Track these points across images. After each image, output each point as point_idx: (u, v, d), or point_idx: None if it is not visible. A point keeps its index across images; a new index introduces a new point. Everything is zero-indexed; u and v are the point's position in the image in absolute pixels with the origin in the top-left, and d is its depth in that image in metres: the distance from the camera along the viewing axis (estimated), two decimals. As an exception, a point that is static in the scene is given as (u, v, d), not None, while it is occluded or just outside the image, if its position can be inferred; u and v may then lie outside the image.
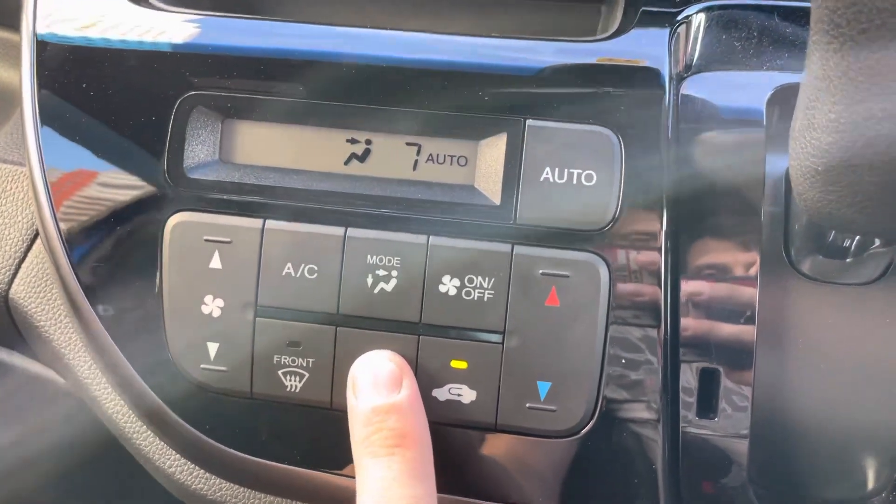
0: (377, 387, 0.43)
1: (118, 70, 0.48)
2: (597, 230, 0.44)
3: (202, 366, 0.46)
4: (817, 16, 0.33)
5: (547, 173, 0.45)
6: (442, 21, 0.56)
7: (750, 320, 0.44)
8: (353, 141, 0.47)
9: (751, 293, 0.44)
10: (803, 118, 0.36)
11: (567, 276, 0.44)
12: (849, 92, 0.33)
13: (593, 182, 0.44)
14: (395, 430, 0.42)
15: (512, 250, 0.44)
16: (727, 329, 0.44)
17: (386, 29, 0.48)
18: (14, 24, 0.66)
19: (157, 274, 0.47)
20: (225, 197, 0.46)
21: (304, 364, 0.46)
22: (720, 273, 0.45)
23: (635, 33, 0.47)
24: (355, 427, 0.44)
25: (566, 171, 0.44)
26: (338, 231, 0.45)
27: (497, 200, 0.45)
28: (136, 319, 0.48)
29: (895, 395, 0.44)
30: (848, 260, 0.45)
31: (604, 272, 0.44)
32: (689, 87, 0.45)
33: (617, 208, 0.44)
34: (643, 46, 0.46)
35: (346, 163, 0.47)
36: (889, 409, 0.44)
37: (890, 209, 0.36)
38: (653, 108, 0.45)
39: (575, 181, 0.44)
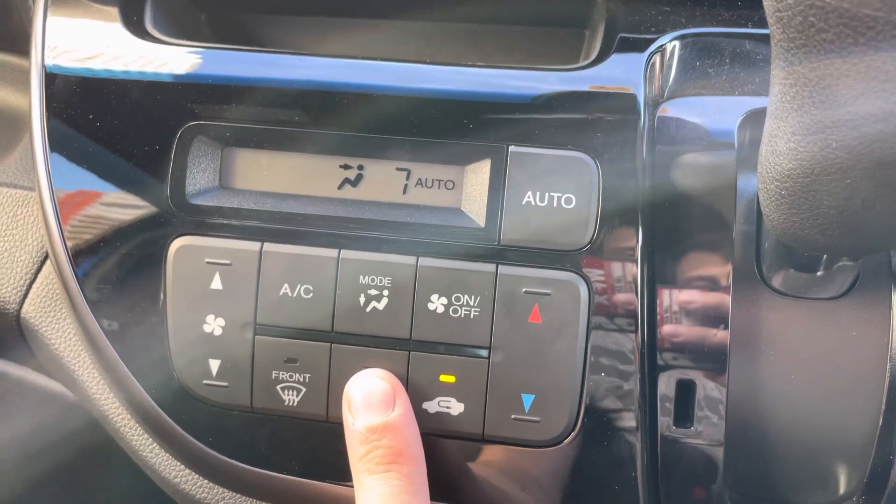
0: (371, 406, 0.46)
1: (123, 100, 0.51)
2: (576, 250, 0.47)
3: (205, 381, 0.49)
4: (775, 52, 0.35)
5: (529, 196, 0.47)
6: (433, 48, 0.59)
7: (723, 334, 0.46)
8: (346, 167, 0.49)
9: (724, 308, 0.47)
10: (767, 144, 0.39)
11: (549, 294, 0.46)
12: (804, 123, 0.35)
13: (573, 205, 0.47)
14: (390, 447, 0.45)
15: (496, 270, 0.47)
16: (702, 342, 0.47)
17: (377, 59, 0.50)
18: (21, 49, 0.69)
19: (161, 294, 0.49)
20: (225, 221, 0.49)
21: (302, 379, 0.48)
22: (695, 289, 0.47)
23: (612, 60, 0.49)
24: (353, 445, 0.46)
25: (547, 194, 0.47)
26: (332, 253, 0.48)
27: (482, 223, 0.47)
28: (141, 337, 0.50)
29: (863, 403, 0.46)
30: (818, 274, 0.47)
31: (583, 290, 0.47)
32: (664, 112, 0.48)
33: (595, 229, 0.47)
34: (620, 74, 0.49)
35: (339, 187, 0.49)
36: (857, 416, 0.47)
37: (848, 231, 0.38)
38: (629, 133, 0.47)
39: (555, 204, 0.47)
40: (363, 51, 0.51)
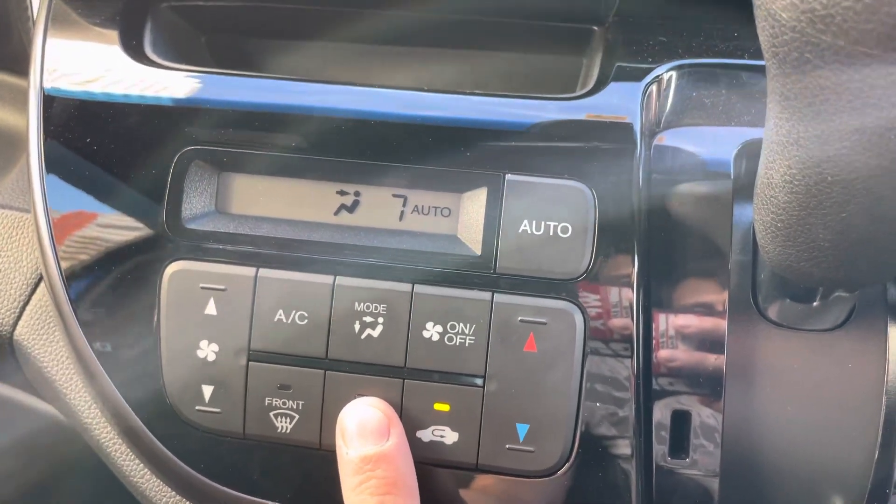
0: (365, 436, 0.45)
1: (120, 124, 0.51)
2: (572, 279, 0.47)
3: (197, 407, 0.48)
4: (771, 86, 0.36)
5: (525, 225, 0.47)
6: (432, 74, 0.59)
7: (719, 365, 0.46)
8: (342, 193, 0.49)
9: (720, 339, 0.46)
10: (763, 176, 0.39)
11: (544, 323, 0.46)
12: (800, 157, 0.35)
13: (569, 234, 0.47)
14: (384, 478, 0.44)
15: (492, 298, 0.47)
16: (697, 373, 0.46)
17: (375, 85, 0.50)
18: (19, 69, 0.69)
19: (155, 318, 0.49)
20: (220, 246, 0.49)
21: (295, 406, 0.48)
22: (690, 320, 0.47)
23: (610, 89, 0.49)
24: (346, 475, 0.45)
25: (543, 223, 0.47)
26: (327, 279, 0.48)
27: (478, 250, 0.47)
28: (133, 361, 0.50)
29: (859, 434, 0.46)
30: (814, 305, 0.47)
31: (579, 319, 0.46)
32: (661, 141, 0.48)
33: (591, 258, 0.47)
34: (617, 103, 0.49)
35: (335, 213, 0.49)
36: (853, 448, 0.46)
37: (844, 263, 0.38)
38: (625, 163, 0.47)
39: (551, 233, 0.47)
40: (363, 77, 0.52)
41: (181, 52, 0.57)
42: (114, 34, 0.54)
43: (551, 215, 0.47)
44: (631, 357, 0.46)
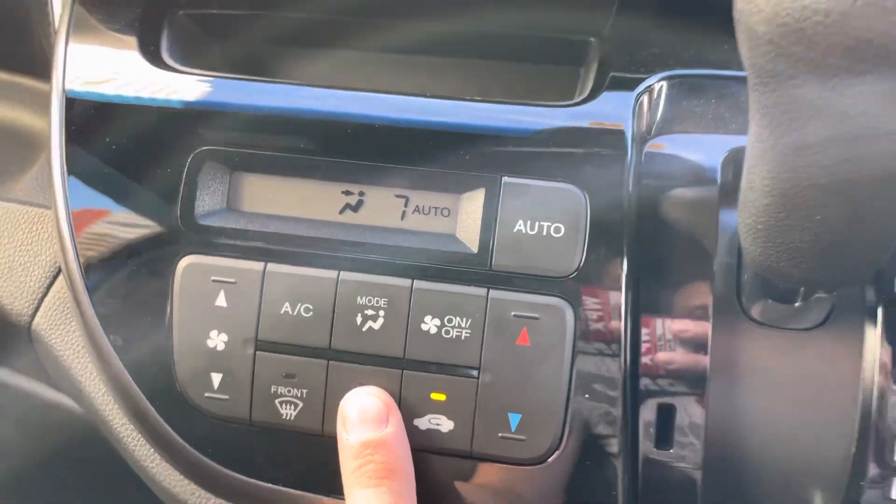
0: (365, 422, 0.48)
1: (138, 125, 0.53)
2: (564, 277, 0.49)
3: (206, 394, 0.51)
4: (751, 96, 0.38)
5: (520, 225, 0.49)
6: (435, 81, 0.61)
7: (703, 361, 0.48)
8: (347, 193, 0.52)
9: (704, 336, 0.49)
10: (745, 181, 0.41)
11: (537, 318, 0.49)
12: (777, 162, 0.37)
13: (561, 233, 0.49)
14: (382, 463, 0.47)
15: (487, 294, 0.49)
16: (683, 369, 0.49)
17: (380, 91, 0.53)
18: (39, 72, 0.72)
19: (168, 309, 0.51)
20: (231, 242, 0.51)
21: (299, 394, 0.50)
22: (676, 318, 0.49)
23: (603, 98, 0.52)
24: (346, 459, 0.48)
25: (537, 223, 0.49)
26: (331, 274, 0.50)
27: (475, 248, 0.50)
28: (146, 349, 0.52)
29: (837, 429, 0.48)
30: (796, 305, 0.49)
31: (570, 315, 0.49)
32: (652, 148, 0.50)
33: (582, 258, 0.49)
34: (610, 111, 0.51)
35: (340, 212, 0.52)
36: (832, 442, 0.49)
37: (821, 264, 0.40)
38: (617, 168, 0.50)
39: (545, 233, 0.49)
40: (368, 83, 0.54)
41: (196, 58, 0.59)
42: (132, 40, 0.56)
43: (545, 216, 0.49)
44: (619, 351, 0.49)
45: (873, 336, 0.48)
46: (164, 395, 0.52)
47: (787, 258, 0.41)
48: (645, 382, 0.49)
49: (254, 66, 0.65)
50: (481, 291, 0.49)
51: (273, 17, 0.61)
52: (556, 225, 0.49)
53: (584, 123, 0.51)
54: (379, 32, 0.61)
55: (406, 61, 0.63)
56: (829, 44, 0.32)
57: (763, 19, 0.34)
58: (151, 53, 0.56)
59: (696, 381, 0.49)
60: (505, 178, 0.50)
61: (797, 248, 0.40)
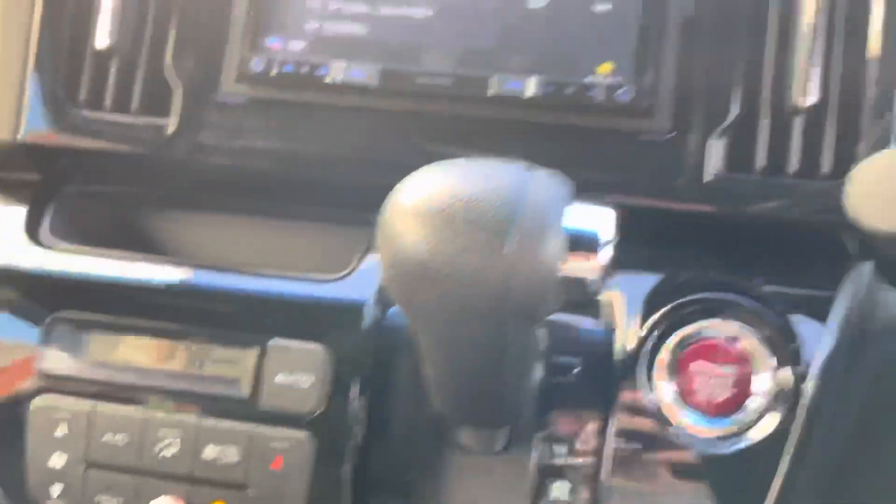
0: None
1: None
2: (311, 415, 0.65)
3: (47, 501, 0.68)
4: None
5: (281, 377, 0.66)
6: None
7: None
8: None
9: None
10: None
11: (288, 449, 0.65)
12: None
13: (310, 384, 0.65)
14: None
15: (254, 429, 0.65)
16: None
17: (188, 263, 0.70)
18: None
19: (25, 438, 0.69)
20: (72, 387, 0.68)
21: (116, 502, 0.66)
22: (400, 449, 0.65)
23: (357, 275, 0.68)
24: None
25: (292, 375, 0.66)
26: (139, 413, 0.67)
27: (247, 394, 0.66)
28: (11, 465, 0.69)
29: None
30: (487, 433, 0.64)
31: (312, 447, 0.65)
32: (389, 315, 0.67)
33: (327, 401, 0.65)
34: (359, 288, 0.68)
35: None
36: None
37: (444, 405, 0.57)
38: (362, 330, 0.66)
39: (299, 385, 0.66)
40: (206, 250, 0.71)
41: (81, 230, 0.76)
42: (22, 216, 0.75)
43: (298, 368, 0.66)
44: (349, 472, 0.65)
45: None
46: (17, 496, 0.68)
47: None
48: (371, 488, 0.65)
49: (138, 233, 0.82)
50: (248, 427, 0.65)
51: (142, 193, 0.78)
52: (306, 376, 0.65)
53: (337, 296, 0.67)
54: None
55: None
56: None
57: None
58: (31, 230, 0.74)
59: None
60: (270, 342, 0.66)
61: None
